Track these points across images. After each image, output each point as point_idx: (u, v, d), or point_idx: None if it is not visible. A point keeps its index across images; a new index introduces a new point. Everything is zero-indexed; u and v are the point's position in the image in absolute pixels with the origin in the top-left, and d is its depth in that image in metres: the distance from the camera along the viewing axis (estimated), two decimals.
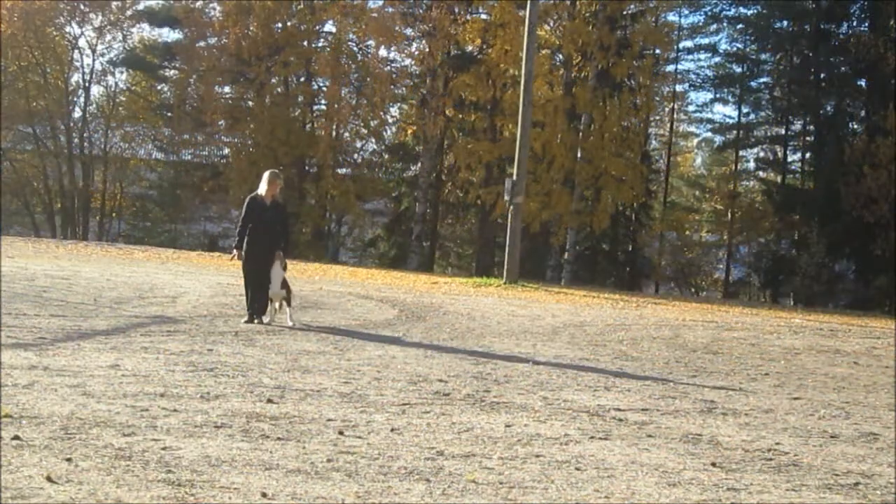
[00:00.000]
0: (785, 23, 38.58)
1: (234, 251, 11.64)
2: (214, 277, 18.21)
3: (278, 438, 5.48)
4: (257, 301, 11.41)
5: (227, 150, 37.82)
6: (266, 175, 11.65)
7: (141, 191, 42.79)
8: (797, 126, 39.80)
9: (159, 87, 42.17)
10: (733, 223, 39.19)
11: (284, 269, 11.53)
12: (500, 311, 15.84)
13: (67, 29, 39.87)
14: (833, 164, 32.03)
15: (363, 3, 35.94)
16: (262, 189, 11.51)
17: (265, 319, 11.33)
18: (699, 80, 42.10)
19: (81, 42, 39.71)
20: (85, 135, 39.31)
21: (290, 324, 11.30)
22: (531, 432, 6.17)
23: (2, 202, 36.83)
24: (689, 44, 41.55)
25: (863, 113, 36.02)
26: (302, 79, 36.76)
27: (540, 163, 31.78)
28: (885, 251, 29.85)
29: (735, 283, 40.16)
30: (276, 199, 11.63)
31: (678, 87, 42.24)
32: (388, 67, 36.52)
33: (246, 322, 11.20)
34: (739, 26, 40.06)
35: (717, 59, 41.52)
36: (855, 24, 36.59)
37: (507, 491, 4.73)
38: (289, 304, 11.59)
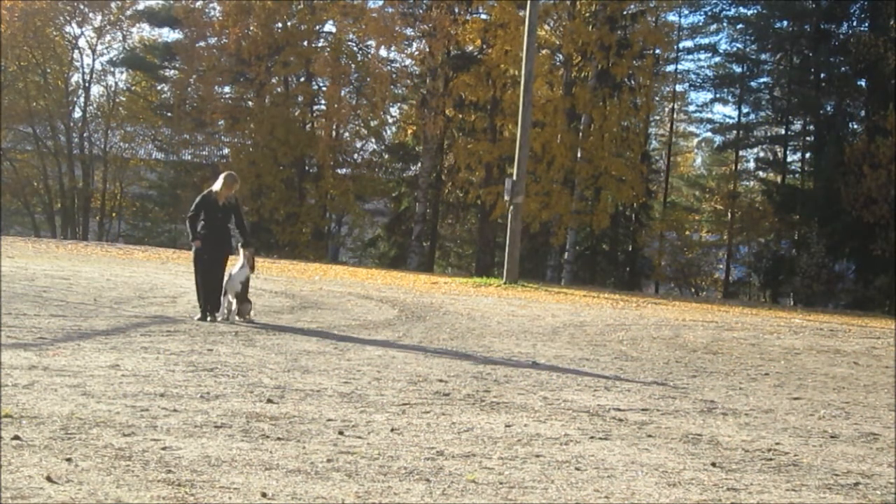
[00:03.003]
0: (785, 23, 38.60)
1: (197, 242, 11.35)
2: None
3: (278, 438, 5.48)
4: (209, 301, 11.34)
5: (226, 150, 37.81)
6: (222, 176, 11.58)
7: (141, 191, 42.74)
8: (797, 126, 39.83)
9: (159, 87, 42.14)
10: (733, 223, 39.19)
11: (252, 269, 11.50)
12: (500, 311, 15.84)
13: (67, 29, 39.87)
14: (833, 164, 32.03)
15: (363, 3, 35.95)
16: (216, 187, 11.44)
17: (218, 318, 11.22)
18: (699, 80, 42.17)
19: (81, 42, 39.72)
20: (85, 135, 39.27)
21: (237, 319, 11.30)
22: (531, 432, 6.17)
23: (2, 202, 36.82)
24: (689, 44, 41.64)
25: (863, 113, 36.03)
26: (302, 79, 36.77)
27: (540, 163, 31.78)
28: (885, 251, 29.85)
29: (735, 283, 40.16)
30: (230, 200, 11.52)
31: (678, 87, 42.33)
32: (388, 67, 36.54)
33: (199, 319, 11.18)
34: (739, 26, 40.09)
35: (717, 59, 41.59)
36: (855, 24, 36.63)
37: (507, 491, 4.73)
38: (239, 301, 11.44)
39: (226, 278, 11.33)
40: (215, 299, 11.32)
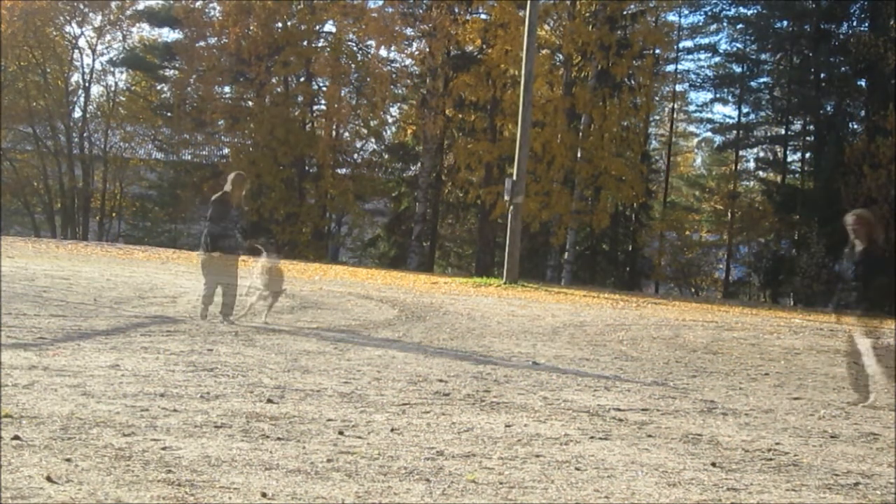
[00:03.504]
0: (785, 23, 38.64)
1: (218, 252, 11.30)
2: (215, 277, 18.15)
3: (278, 438, 5.48)
4: (225, 305, 11.30)
5: (226, 150, 37.81)
6: (231, 178, 11.54)
7: (141, 191, 42.74)
8: (797, 126, 39.87)
9: (159, 87, 42.15)
10: (733, 223, 39.20)
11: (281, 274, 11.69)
12: (500, 311, 15.83)
13: (67, 29, 39.83)
14: (833, 164, 32.05)
15: (363, 3, 35.95)
16: (228, 188, 11.44)
17: (233, 319, 11.20)
18: (699, 80, 42.23)
19: (81, 42, 39.69)
20: (85, 135, 39.25)
21: (263, 320, 11.37)
22: (531, 432, 6.16)
23: (2, 202, 36.81)
24: (689, 44, 41.71)
25: (863, 113, 36.06)
26: (302, 79, 36.77)
27: (540, 163, 31.79)
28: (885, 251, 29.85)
29: (735, 283, 40.17)
30: (240, 200, 11.59)
31: (678, 87, 42.38)
32: (388, 67, 36.56)
33: (199, 318, 11.20)
34: (739, 26, 40.13)
35: (717, 59, 41.63)
36: (855, 24, 36.68)
37: (507, 491, 4.73)
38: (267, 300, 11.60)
39: (248, 280, 11.41)
40: (230, 302, 11.31)
